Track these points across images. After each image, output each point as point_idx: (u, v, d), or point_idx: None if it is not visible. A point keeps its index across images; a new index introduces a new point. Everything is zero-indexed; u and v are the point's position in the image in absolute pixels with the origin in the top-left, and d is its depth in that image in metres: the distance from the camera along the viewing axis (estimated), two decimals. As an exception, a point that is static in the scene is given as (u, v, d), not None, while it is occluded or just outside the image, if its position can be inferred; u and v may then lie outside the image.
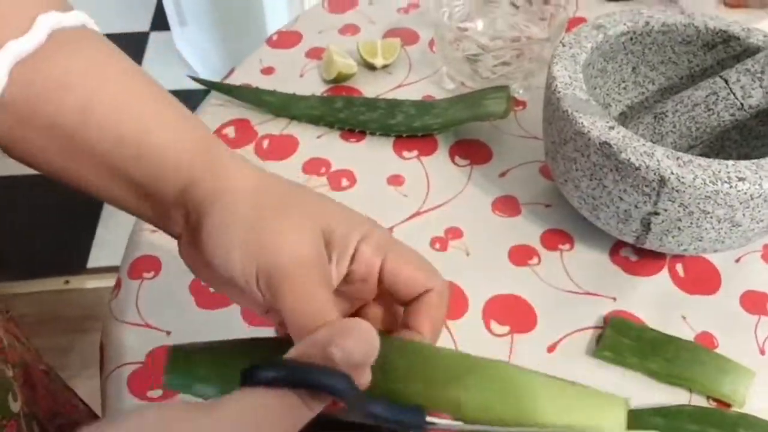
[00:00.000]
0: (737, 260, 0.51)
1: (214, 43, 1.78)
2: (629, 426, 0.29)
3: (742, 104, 0.47)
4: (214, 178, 0.30)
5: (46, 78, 0.30)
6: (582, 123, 0.44)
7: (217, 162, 0.31)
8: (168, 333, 0.46)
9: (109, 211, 1.54)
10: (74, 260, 1.50)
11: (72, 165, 0.32)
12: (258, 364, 0.23)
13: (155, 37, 2.10)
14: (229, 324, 0.47)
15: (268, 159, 0.58)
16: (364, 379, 0.25)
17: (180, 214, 0.31)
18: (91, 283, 1.43)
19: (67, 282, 1.45)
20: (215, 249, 0.29)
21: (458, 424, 0.29)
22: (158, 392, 0.43)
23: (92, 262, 1.50)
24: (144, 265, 0.50)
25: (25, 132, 0.31)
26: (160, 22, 2.08)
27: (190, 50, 1.91)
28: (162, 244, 0.52)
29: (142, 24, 2.15)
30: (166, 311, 0.48)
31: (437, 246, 0.52)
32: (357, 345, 0.24)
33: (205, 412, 0.22)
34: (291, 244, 0.28)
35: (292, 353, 0.24)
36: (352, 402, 0.24)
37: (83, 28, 0.33)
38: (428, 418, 0.27)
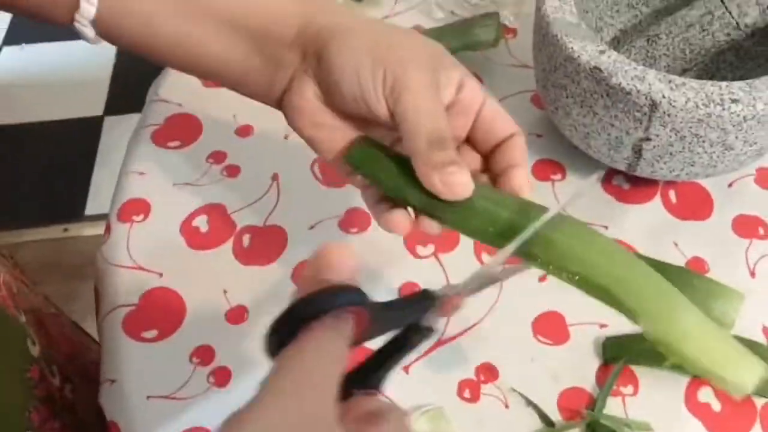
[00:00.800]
0: (730, 185, 0.51)
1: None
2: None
3: (737, 23, 0.46)
4: (330, 16, 0.33)
5: None
6: (572, 48, 0.43)
7: (328, 5, 0.34)
8: (160, 275, 0.46)
9: (103, 158, 1.53)
10: (72, 208, 1.50)
11: (184, 26, 0.33)
12: (278, 319, 0.24)
13: None
14: (221, 264, 0.47)
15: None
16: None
17: (296, 54, 0.33)
18: (90, 230, 1.44)
19: (66, 230, 1.46)
20: (344, 67, 0.31)
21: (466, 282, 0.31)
22: (153, 332, 0.44)
23: (90, 209, 1.50)
24: (133, 209, 0.50)
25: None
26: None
27: None
28: (150, 186, 0.51)
29: None
30: (157, 253, 0.48)
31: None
32: (341, 262, 0.25)
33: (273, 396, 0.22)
34: (413, 60, 0.31)
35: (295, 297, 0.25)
36: (371, 308, 0.25)
37: None
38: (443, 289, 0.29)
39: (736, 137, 0.42)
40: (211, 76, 0.36)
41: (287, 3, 0.34)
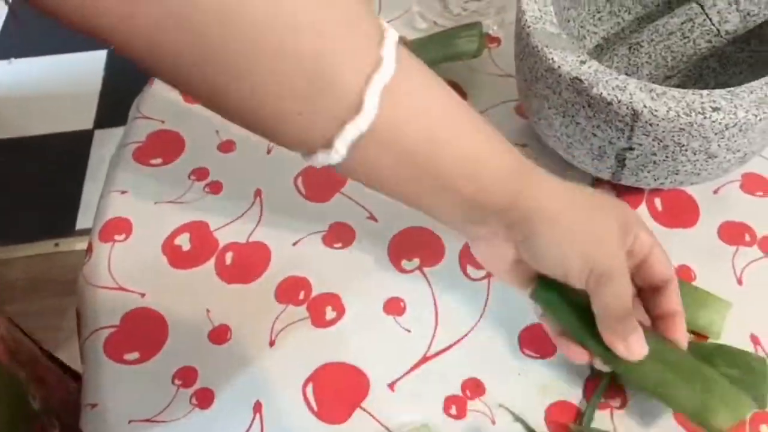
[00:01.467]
0: (715, 191, 0.51)
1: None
2: None
3: (718, 30, 0.46)
4: (537, 194, 0.35)
5: (407, 106, 0.32)
6: (552, 59, 0.43)
7: (534, 179, 0.36)
8: (142, 295, 0.46)
9: (92, 173, 1.52)
10: (63, 223, 1.49)
11: (412, 188, 0.34)
12: None
13: None
14: (204, 283, 0.46)
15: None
16: None
17: (501, 221, 0.36)
18: (81, 244, 1.42)
19: (56, 245, 1.45)
20: (551, 255, 0.36)
21: None
22: (135, 355, 0.43)
23: (81, 224, 1.49)
24: (115, 228, 0.50)
25: (382, 158, 0.32)
26: None
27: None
28: (131, 205, 0.51)
29: None
30: (139, 273, 0.47)
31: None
32: None
33: None
34: (613, 249, 0.36)
35: None
36: None
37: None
38: None
39: (719, 145, 0.41)
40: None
41: (504, 170, 0.35)
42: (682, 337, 0.38)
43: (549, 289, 0.38)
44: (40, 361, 0.50)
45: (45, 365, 0.50)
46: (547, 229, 0.35)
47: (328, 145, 0.31)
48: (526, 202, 0.35)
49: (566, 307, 0.38)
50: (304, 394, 0.41)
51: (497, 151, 0.35)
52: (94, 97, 1.66)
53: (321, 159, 0.31)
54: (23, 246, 1.45)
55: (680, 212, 0.50)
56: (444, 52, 0.57)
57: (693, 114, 0.40)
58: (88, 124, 1.60)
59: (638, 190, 0.50)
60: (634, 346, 0.36)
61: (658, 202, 0.50)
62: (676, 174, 0.44)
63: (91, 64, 1.69)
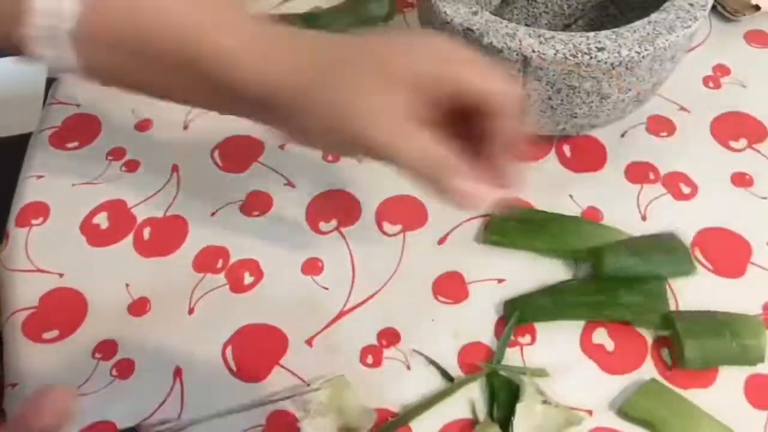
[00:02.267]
0: (622, 135, 0.52)
1: None
2: None
3: (608, -25, 0.47)
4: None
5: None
6: (445, 12, 0.44)
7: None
8: (60, 275, 0.46)
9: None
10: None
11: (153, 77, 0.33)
12: None
13: None
14: (122, 259, 0.47)
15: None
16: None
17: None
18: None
19: None
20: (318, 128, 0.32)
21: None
22: (54, 333, 0.43)
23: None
24: (31, 212, 0.49)
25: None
26: None
27: None
28: (48, 189, 0.51)
29: None
30: (57, 254, 0.47)
31: (330, 157, 0.51)
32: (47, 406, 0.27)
33: None
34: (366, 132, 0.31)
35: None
36: None
37: None
38: None
39: (609, 85, 0.43)
40: None
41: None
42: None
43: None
44: None
45: None
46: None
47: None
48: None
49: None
50: (224, 356, 0.42)
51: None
52: (38, 100, 1.63)
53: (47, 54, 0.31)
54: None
55: (588, 157, 0.51)
56: (356, 17, 0.57)
57: (579, 55, 0.41)
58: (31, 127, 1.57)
59: (547, 139, 0.52)
60: (470, 193, 0.31)
61: (566, 148, 0.52)
62: (575, 117, 0.46)
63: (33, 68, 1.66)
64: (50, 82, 1.72)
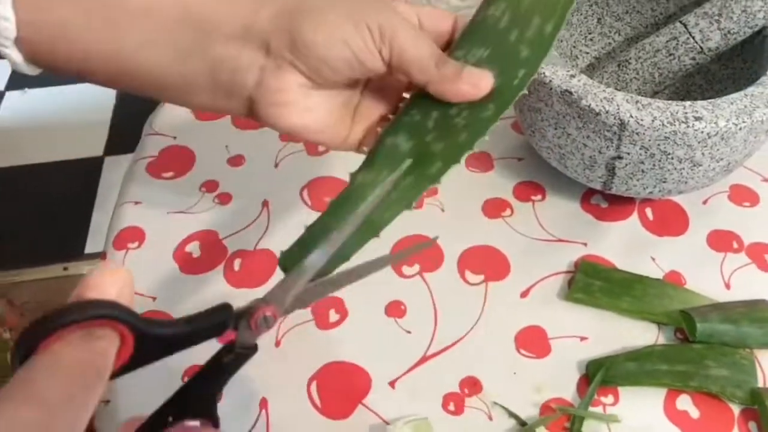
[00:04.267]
0: (704, 202, 0.53)
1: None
2: None
3: (701, 47, 0.48)
4: (275, 2, 0.33)
5: None
6: (543, 73, 0.45)
7: None
8: (154, 299, 0.48)
9: (102, 197, 1.55)
10: (72, 247, 1.51)
11: (106, 34, 0.32)
12: (21, 332, 0.22)
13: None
14: (213, 288, 0.48)
15: (245, 128, 0.59)
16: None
17: (253, 51, 0.33)
18: (89, 268, 1.45)
19: (65, 269, 1.47)
20: (329, 41, 0.32)
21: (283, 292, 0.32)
22: (147, 354, 0.45)
23: (89, 248, 1.51)
24: (129, 236, 0.52)
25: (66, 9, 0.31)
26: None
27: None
28: (145, 215, 0.53)
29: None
30: (151, 278, 0.49)
31: (413, 204, 0.53)
32: (105, 282, 0.25)
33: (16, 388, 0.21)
34: (382, 9, 0.33)
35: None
36: (137, 325, 0.25)
37: None
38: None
39: (703, 154, 0.44)
40: (153, 90, 0.34)
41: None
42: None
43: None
44: None
45: None
46: (312, 18, 0.33)
47: None
48: (268, 9, 0.33)
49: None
50: (309, 392, 0.43)
51: None
52: (105, 125, 1.70)
53: (2, 29, 0.30)
54: (32, 270, 1.47)
55: (670, 221, 0.52)
56: None
57: (676, 123, 0.42)
58: (98, 151, 1.64)
59: (630, 200, 0.52)
60: (474, 78, 0.34)
61: (649, 211, 0.52)
62: (664, 182, 0.46)
63: (102, 94, 1.73)
64: (117, 110, 1.78)
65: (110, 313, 0.23)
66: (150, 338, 0.26)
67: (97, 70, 0.33)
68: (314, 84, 0.34)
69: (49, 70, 0.33)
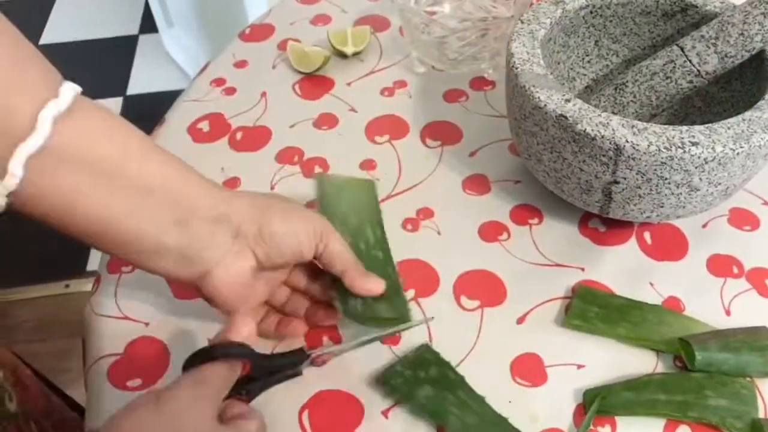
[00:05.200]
0: (704, 226, 0.52)
1: (201, 43, 1.79)
2: None
3: (698, 71, 0.48)
4: (246, 198, 0.42)
5: (89, 127, 0.35)
6: (539, 97, 0.45)
7: (228, 193, 0.41)
8: (146, 324, 0.47)
9: (105, 215, 1.55)
10: (73, 265, 1.51)
11: (106, 200, 0.36)
12: (191, 355, 0.37)
13: (144, 40, 2.10)
14: (205, 312, 0.48)
15: (242, 150, 0.59)
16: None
17: (225, 234, 0.40)
18: (90, 286, 1.45)
19: (67, 286, 1.47)
20: (288, 233, 0.41)
21: (337, 347, 0.45)
22: (137, 382, 0.44)
23: (91, 265, 1.51)
24: (122, 261, 0.51)
25: (68, 174, 0.34)
26: (148, 24, 2.08)
27: (179, 51, 1.92)
28: (139, 238, 0.53)
29: (131, 27, 2.16)
30: (144, 303, 0.49)
31: (409, 227, 0.53)
32: (239, 328, 0.38)
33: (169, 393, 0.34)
34: (322, 218, 0.44)
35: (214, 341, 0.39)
36: (253, 358, 0.39)
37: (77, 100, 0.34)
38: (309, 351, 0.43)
39: (700, 179, 0.43)
40: (125, 250, 0.38)
41: (201, 188, 0.39)
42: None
43: None
44: (20, 367, 0.51)
45: (25, 372, 0.52)
46: (282, 214, 0.41)
47: (2, 172, 0.32)
48: (241, 201, 0.41)
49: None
50: (300, 421, 0.42)
51: (186, 173, 0.39)
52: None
53: (1, 189, 0.32)
54: (33, 287, 1.47)
55: (669, 245, 0.51)
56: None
57: (673, 148, 0.41)
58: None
59: (628, 225, 0.52)
60: (374, 281, 0.43)
61: (647, 235, 0.52)
62: (662, 207, 0.46)
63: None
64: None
65: (242, 353, 0.38)
66: (259, 367, 0.40)
67: (79, 227, 0.36)
68: (260, 267, 0.42)
69: (23, 216, 0.35)
